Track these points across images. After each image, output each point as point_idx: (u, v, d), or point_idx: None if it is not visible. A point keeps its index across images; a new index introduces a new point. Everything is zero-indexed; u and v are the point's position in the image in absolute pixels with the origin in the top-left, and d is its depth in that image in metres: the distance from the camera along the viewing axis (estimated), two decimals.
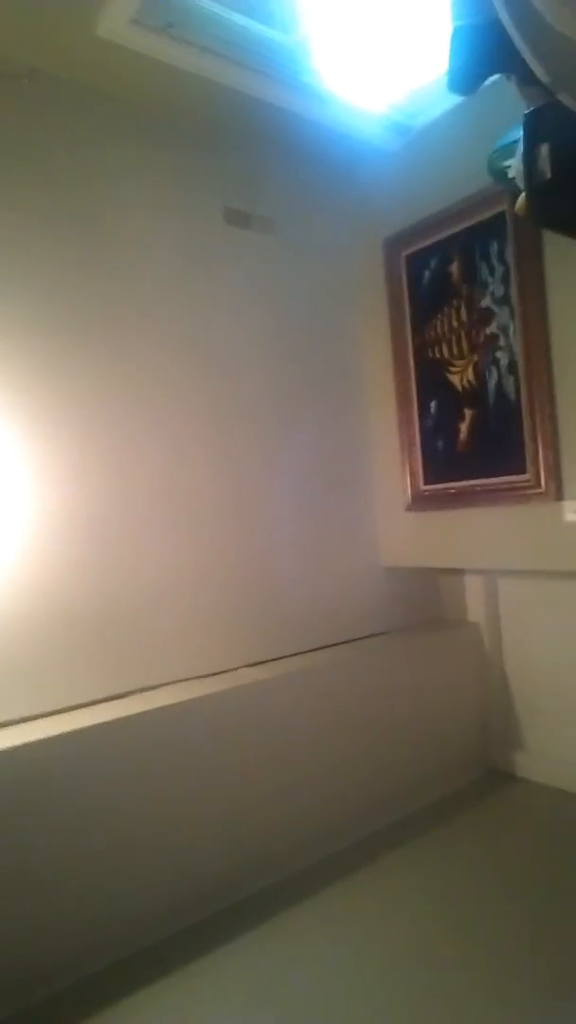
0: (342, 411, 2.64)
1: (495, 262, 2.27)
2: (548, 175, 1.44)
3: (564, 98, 1.14)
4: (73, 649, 1.91)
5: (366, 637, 2.59)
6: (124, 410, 2.06)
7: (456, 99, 2.14)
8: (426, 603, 2.84)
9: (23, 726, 1.75)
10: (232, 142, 2.34)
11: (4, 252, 1.86)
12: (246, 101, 2.14)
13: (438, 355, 2.47)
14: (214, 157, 2.32)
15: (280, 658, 2.33)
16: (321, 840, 2.13)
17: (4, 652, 1.79)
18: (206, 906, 1.87)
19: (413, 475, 2.57)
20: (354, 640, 2.55)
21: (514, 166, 1.56)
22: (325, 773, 2.17)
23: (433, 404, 2.51)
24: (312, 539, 2.50)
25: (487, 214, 2.26)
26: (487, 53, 1.21)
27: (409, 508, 2.59)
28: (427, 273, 2.48)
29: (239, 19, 1.97)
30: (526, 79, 1.19)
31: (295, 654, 2.38)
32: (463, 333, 2.39)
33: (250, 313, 2.38)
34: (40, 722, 1.78)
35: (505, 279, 2.24)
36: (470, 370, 2.38)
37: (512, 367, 2.24)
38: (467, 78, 1.29)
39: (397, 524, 2.66)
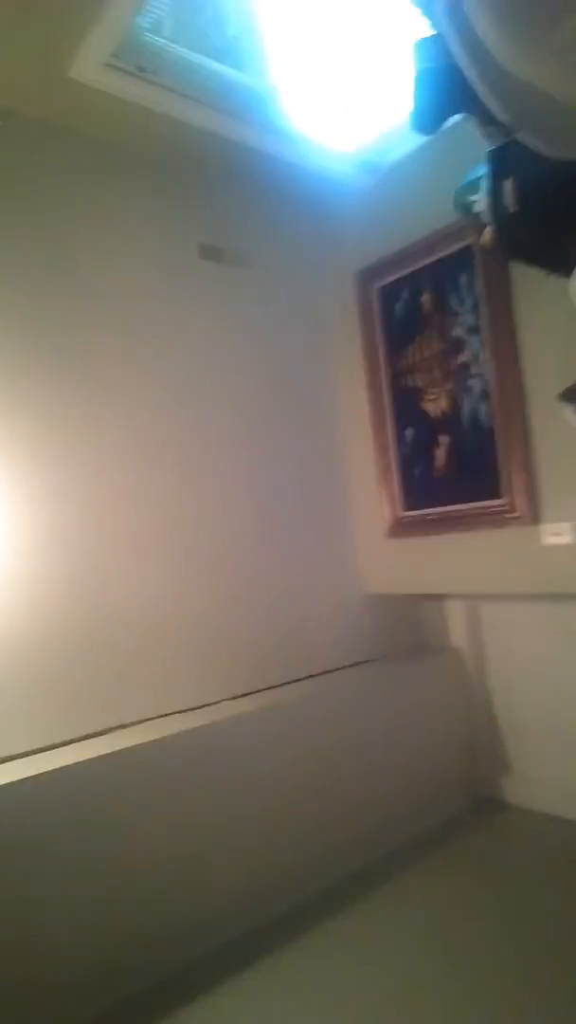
0: (318, 440, 2.66)
1: (464, 293, 2.32)
2: (513, 209, 1.49)
3: (523, 136, 1.18)
4: (48, 686, 1.87)
5: (349, 666, 2.57)
6: (100, 442, 2.06)
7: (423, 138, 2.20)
8: (409, 630, 2.83)
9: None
10: (205, 180, 2.39)
11: None
12: (218, 142, 2.19)
13: (412, 384, 2.51)
14: (188, 195, 2.36)
15: (262, 690, 2.30)
16: (309, 873, 2.08)
17: None
18: (198, 943, 1.82)
19: (391, 502, 2.59)
20: (337, 669, 2.53)
21: (480, 201, 1.61)
22: (311, 805, 2.13)
23: (409, 432, 2.54)
24: (292, 568, 2.49)
25: (455, 247, 2.32)
26: (449, 95, 1.25)
27: (389, 535, 2.60)
28: (399, 304, 2.53)
29: (210, 64, 2.03)
30: (486, 118, 1.23)
31: (278, 685, 2.35)
32: (436, 362, 2.43)
33: (226, 346, 2.40)
34: (16, 762, 1.73)
35: (475, 309, 2.29)
36: (444, 398, 2.41)
37: (485, 394, 2.28)
38: (430, 119, 1.33)
39: (377, 551, 2.66)
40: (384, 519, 2.61)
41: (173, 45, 1.96)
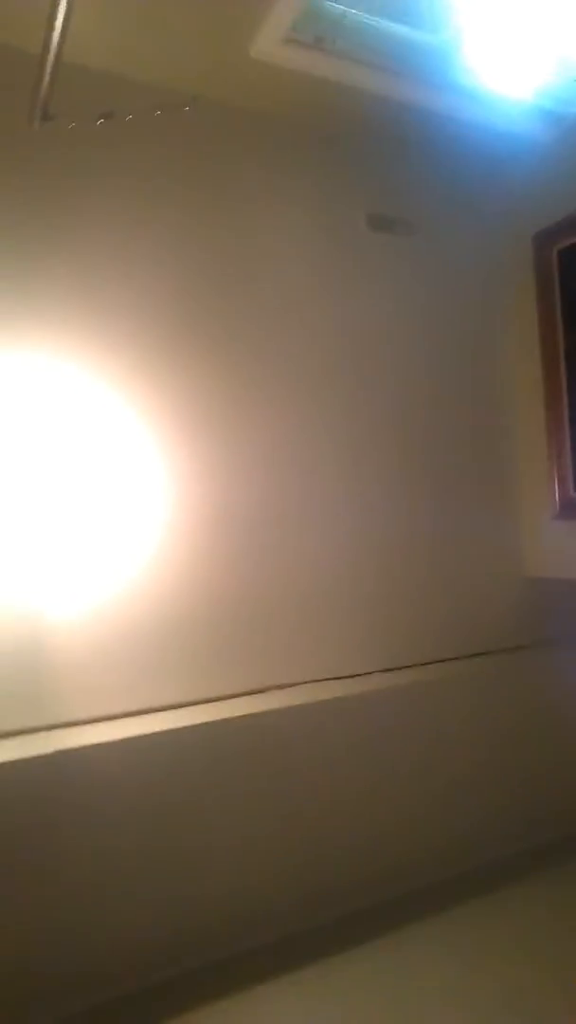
0: (485, 415, 2.55)
1: None
2: None
3: None
4: (214, 643, 2.00)
5: (507, 649, 2.48)
6: (267, 412, 2.13)
7: None
8: (573, 617, 2.67)
9: (165, 713, 1.86)
10: (377, 148, 2.35)
11: (162, 262, 2.00)
12: (393, 106, 2.14)
13: None
14: (359, 164, 2.34)
15: (415, 665, 2.30)
16: (445, 858, 2.08)
17: (148, 641, 1.91)
18: (317, 912, 1.89)
19: (562, 482, 2.43)
20: (494, 652, 2.46)
21: None
22: (456, 788, 2.12)
23: None
24: (451, 545, 2.43)
25: None
26: None
27: (557, 516, 2.45)
28: None
29: (387, 25, 1.97)
30: None
31: (431, 662, 2.33)
32: None
33: (392, 316, 2.37)
34: (182, 711, 1.88)
35: None
36: None
37: None
38: None
39: (543, 533, 2.52)
40: (554, 500, 2.46)
41: (351, 11, 1.93)
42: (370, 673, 2.22)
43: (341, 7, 1.92)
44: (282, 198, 2.21)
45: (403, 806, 2.03)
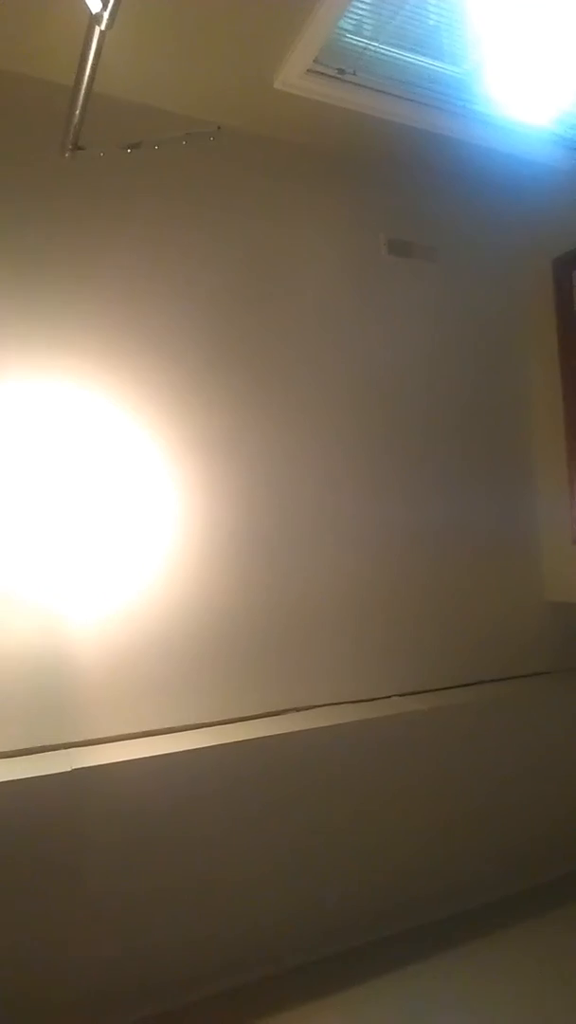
0: (505, 438, 2.55)
1: None
2: None
3: None
4: (233, 664, 2.00)
5: (527, 675, 2.45)
6: (285, 433, 2.14)
7: None
8: None
9: (184, 734, 1.85)
10: (399, 174, 2.39)
11: (184, 286, 2.04)
12: (415, 134, 2.18)
13: None
14: (379, 190, 2.38)
15: (434, 690, 2.27)
16: (463, 890, 2.03)
17: (167, 662, 1.91)
18: (329, 944, 1.86)
19: None
20: (514, 677, 2.42)
21: None
22: (474, 815, 2.07)
23: None
24: (470, 569, 2.42)
25: None
26: None
27: None
28: None
29: (409, 57, 2.02)
30: None
31: (450, 687, 2.30)
32: None
33: (412, 339, 2.39)
34: (201, 731, 1.87)
35: None
36: None
37: None
38: None
39: (564, 557, 2.50)
40: (574, 524, 2.44)
41: (373, 44, 1.97)
42: (389, 697, 2.20)
43: (363, 40, 1.97)
44: (304, 223, 2.25)
45: (422, 834, 1.99)
